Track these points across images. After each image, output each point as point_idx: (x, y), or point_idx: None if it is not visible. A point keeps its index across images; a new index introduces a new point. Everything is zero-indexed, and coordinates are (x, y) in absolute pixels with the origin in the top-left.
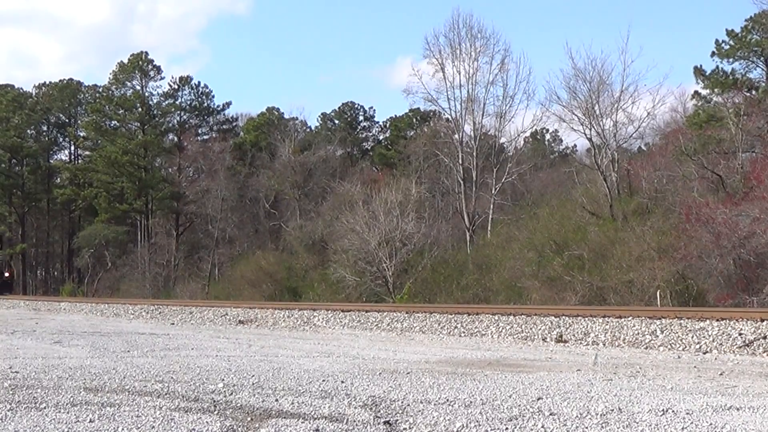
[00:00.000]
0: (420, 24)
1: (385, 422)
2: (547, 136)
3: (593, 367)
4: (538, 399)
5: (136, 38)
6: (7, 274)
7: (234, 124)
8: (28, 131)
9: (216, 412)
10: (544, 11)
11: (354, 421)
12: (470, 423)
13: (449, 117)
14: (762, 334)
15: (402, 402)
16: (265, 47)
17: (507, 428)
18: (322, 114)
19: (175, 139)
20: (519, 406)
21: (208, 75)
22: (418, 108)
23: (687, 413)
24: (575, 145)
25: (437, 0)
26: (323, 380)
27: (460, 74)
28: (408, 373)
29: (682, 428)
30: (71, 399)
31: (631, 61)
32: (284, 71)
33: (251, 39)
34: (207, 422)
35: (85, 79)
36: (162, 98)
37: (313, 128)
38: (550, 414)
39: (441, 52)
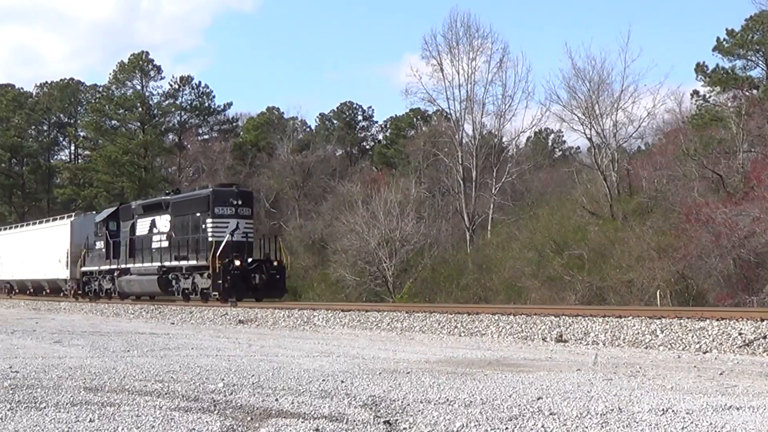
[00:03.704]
0: (427, 21)
1: (385, 422)
2: (552, 137)
3: (593, 366)
4: (538, 399)
5: (141, 35)
6: (275, 263)
7: (234, 124)
8: (29, 131)
9: (216, 412)
10: (544, 11)
11: (354, 420)
12: (470, 422)
13: (449, 116)
14: (762, 334)
15: (402, 402)
16: (270, 45)
17: (507, 428)
18: (320, 114)
19: (176, 138)
20: (519, 405)
21: (212, 73)
22: (419, 107)
23: (687, 413)
24: (578, 147)
25: None
26: (323, 380)
27: (459, 74)
28: (408, 372)
29: (682, 428)
30: (71, 399)
31: (632, 61)
32: (288, 69)
33: (256, 37)
34: (207, 422)
35: (89, 76)
36: (162, 98)
37: (313, 128)
38: (550, 414)
39: (439, 51)
